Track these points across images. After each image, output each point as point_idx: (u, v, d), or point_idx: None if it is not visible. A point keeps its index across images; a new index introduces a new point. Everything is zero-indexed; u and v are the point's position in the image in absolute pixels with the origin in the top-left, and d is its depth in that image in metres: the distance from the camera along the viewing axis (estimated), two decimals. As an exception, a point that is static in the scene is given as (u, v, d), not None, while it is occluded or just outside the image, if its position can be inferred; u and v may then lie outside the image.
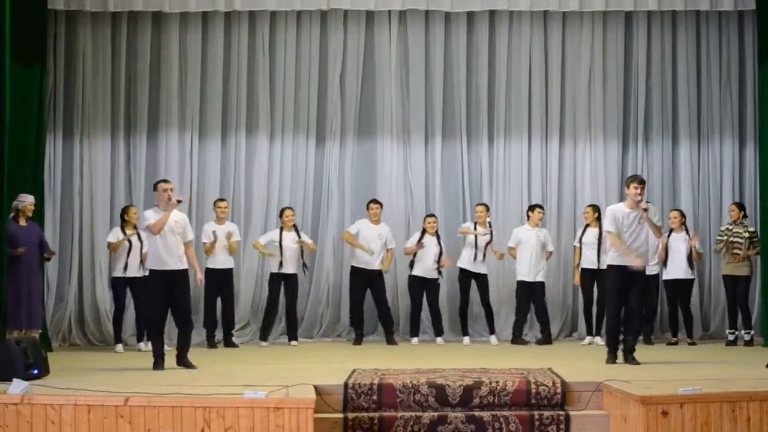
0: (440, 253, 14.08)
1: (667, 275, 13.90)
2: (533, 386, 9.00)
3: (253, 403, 7.96)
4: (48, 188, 14.03)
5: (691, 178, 14.99)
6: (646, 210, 10.83)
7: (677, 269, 13.79)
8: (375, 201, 14.31)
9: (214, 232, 13.57)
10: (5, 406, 8.04)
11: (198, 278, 11.45)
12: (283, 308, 14.07)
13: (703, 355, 12.46)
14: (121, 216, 13.45)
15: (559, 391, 8.99)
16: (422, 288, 14.13)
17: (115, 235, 13.29)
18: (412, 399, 8.94)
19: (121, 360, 11.98)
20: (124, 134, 14.64)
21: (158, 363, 10.62)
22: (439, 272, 14.16)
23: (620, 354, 10.89)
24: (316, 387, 8.80)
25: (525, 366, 10.20)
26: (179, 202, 10.74)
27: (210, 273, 13.37)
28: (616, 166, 14.97)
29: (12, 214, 11.94)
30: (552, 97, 15.06)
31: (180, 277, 10.68)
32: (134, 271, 13.15)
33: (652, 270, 13.64)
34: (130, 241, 13.13)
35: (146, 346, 12.81)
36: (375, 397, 8.92)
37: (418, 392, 8.96)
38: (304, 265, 14.01)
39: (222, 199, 14.07)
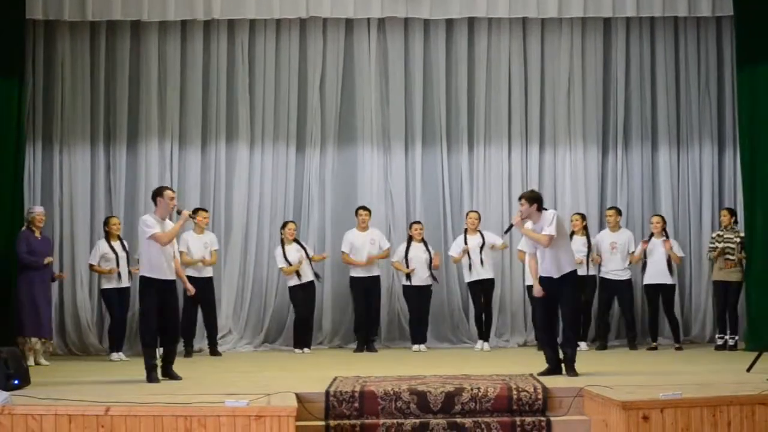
0: (430, 259, 14.08)
1: (647, 280, 13.92)
2: (515, 392, 9.02)
3: (235, 412, 7.96)
4: (27, 199, 13.90)
5: (671, 183, 15.02)
6: (511, 226, 10.80)
7: (657, 274, 13.82)
8: (364, 207, 14.31)
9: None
10: (-15, 418, 8.03)
11: (188, 288, 11.14)
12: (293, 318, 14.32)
13: (684, 359, 12.51)
14: (104, 227, 13.48)
15: (540, 396, 9.01)
16: (417, 296, 14.10)
17: (100, 254, 13.25)
18: (394, 406, 8.95)
19: (102, 370, 11.90)
20: (103, 144, 14.58)
21: (151, 375, 10.26)
22: (434, 278, 14.16)
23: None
24: (297, 395, 8.81)
25: (507, 372, 10.21)
26: (185, 213, 10.63)
27: (189, 282, 13.31)
28: (595, 172, 15.00)
29: (25, 225, 12.33)
30: (531, 103, 15.07)
31: (173, 286, 10.53)
32: (126, 281, 13.26)
33: (624, 275, 13.95)
34: (116, 253, 13.17)
35: (118, 356, 13.17)
36: (357, 405, 8.92)
37: (399, 399, 8.96)
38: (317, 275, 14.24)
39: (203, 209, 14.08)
